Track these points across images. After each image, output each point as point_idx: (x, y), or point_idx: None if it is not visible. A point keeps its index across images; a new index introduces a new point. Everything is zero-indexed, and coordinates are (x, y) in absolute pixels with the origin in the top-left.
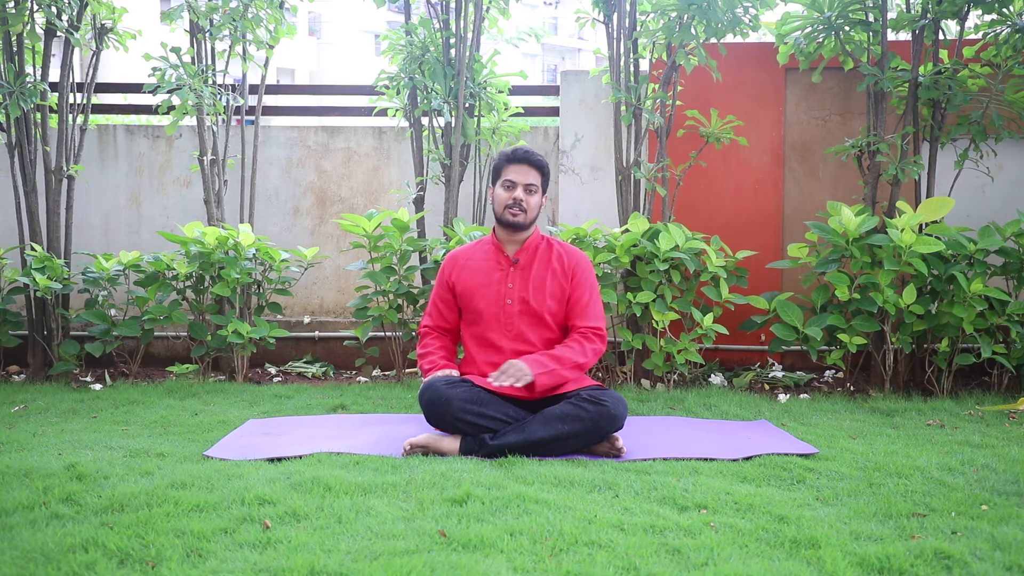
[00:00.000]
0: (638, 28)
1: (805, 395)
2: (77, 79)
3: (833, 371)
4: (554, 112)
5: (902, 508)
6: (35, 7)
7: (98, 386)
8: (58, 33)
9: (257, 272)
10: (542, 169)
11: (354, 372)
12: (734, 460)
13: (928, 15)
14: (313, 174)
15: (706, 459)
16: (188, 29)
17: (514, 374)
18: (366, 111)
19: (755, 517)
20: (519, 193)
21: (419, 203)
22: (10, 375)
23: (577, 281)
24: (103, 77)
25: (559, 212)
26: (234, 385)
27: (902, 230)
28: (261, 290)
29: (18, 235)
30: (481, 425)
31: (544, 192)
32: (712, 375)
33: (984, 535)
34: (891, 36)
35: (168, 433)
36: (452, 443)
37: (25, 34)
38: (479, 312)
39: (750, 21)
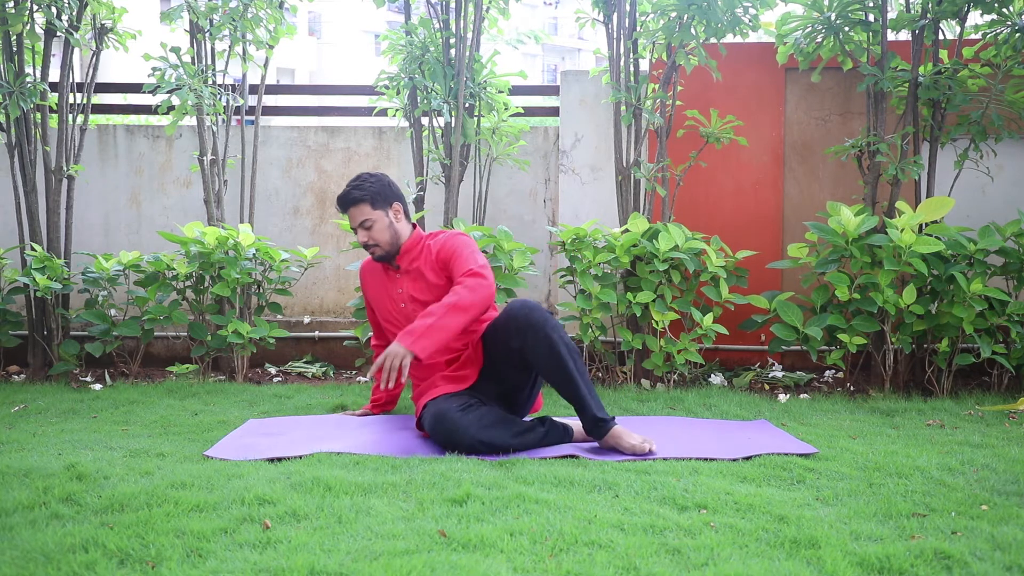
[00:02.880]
0: (638, 28)
1: (805, 395)
2: (77, 79)
3: (833, 371)
4: (554, 112)
5: (902, 508)
6: (35, 7)
7: (98, 386)
8: (58, 33)
9: (257, 272)
10: (366, 199)
11: (354, 372)
12: (734, 460)
13: (928, 15)
14: (313, 174)
15: (706, 459)
16: (188, 29)
17: (390, 365)
18: (366, 111)
19: (755, 517)
20: (361, 237)
21: (419, 203)
22: (10, 375)
23: (447, 252)
24: (103, 77)
25: (559, 212)
26: (234, 385)
27: (902, 230)
28: (261, 290)
29: (18, 235)
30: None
31: (390, 206)
32: (712, 375)
33: (984, 535)
34: (891, 36)
35: (168, 433)
36: None
37: (25, 34)
38: (385, 319)
39: (750, 21)
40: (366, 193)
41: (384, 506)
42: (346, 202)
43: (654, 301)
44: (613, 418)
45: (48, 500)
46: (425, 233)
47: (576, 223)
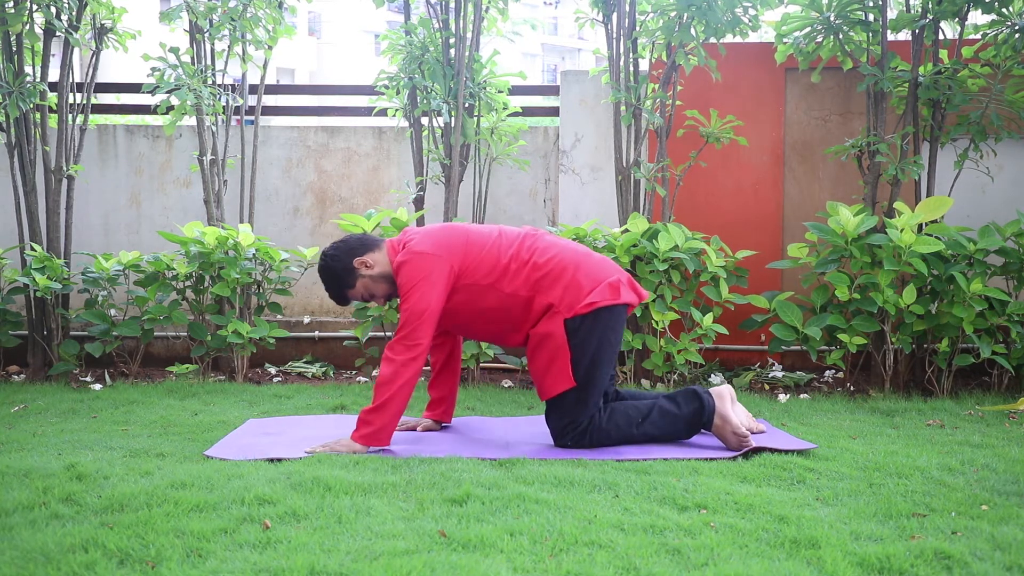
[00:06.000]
0: (638, 28)
1: (805, 395)
2: (77, 79)
3: (833, 371)
4: (554, 112)
5: (902, 508)
6: (35, 7)
7: (98, 386)
8: (58, 33)
9: (257, 272)
10: (345, 290)
11: (354, 372)
12: (734, 459)
13: (928, 15)
14: (313, 174)
15: (706, 459)
16: (187, 29)
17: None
18: (366, 111)
19: (755, 517)
20: (378, 304)
21: (419, 203)
22: (10, 375)
23: (399, 287)
24: (103, 77)
25: (559, 212)
26: (234, 385)
27: (902, 230)
28: (261, 290)
29: (18, 235)
30: None
31: (357, 272)
32: (712, 375)
33: (984, 535)
34: (891, 36)
35: (168, 433)
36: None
37: (24, 34)
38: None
39: (750, 21)
40: (337, 290)
41: (384, 506)
42: (341, 304)
43: (654, 301)
44: (701, 411)
45: (48, 500)
46: (392, 248)
47: (576, 223)
